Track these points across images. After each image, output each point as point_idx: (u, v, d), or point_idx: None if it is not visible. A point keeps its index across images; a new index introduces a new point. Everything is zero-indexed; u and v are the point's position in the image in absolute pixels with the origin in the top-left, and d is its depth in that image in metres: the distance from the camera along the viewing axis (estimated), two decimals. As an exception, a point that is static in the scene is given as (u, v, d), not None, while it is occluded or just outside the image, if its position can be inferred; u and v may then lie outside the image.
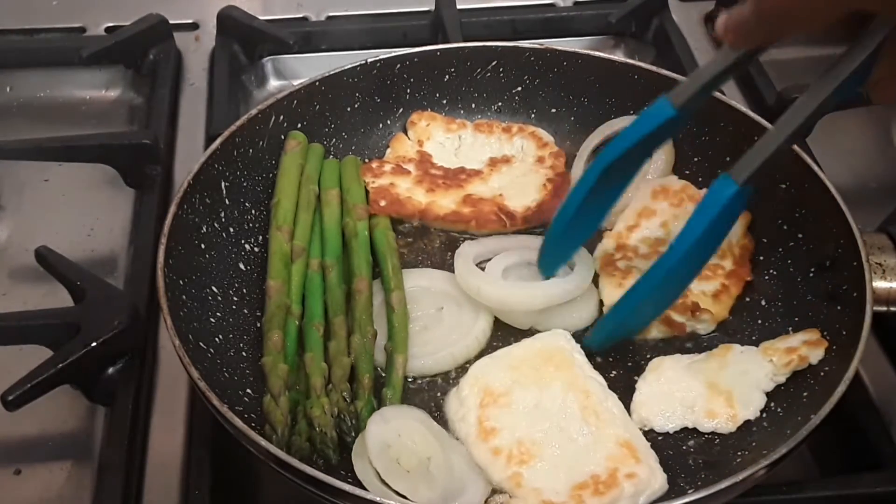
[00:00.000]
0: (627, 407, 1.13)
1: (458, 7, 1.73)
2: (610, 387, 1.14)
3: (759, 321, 1.24)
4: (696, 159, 1.39)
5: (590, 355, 1.18)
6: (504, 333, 1.22)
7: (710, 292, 1.23)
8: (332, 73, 1.40)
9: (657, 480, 1.04)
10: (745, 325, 1.24)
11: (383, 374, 1.14)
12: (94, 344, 1.16)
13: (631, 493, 1.02)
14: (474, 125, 1.46)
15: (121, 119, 1.67)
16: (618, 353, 1.20)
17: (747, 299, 1.26)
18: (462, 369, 1.16)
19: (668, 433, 1.12)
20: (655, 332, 1.21)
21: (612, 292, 1.24)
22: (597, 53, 1.47)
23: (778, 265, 1.28)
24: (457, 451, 1.06)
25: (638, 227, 1.31)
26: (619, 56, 1.62)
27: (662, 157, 1.39)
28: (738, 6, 0.93)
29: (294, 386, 1.10)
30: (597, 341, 1.19)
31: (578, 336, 1.20)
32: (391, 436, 1.04)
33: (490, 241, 1.31)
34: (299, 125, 1.37)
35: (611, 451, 1.05)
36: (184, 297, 1.14)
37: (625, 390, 1.15)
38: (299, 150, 1.34)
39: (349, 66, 1.41)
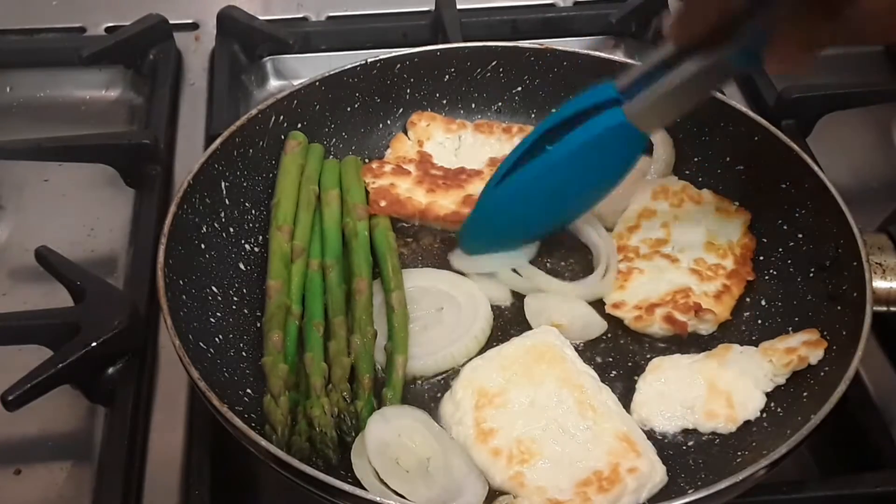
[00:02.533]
0: (627, 407, 1.13)
1: (458, 7, 1.73)
2: (610, 387, 1.14)
3: (759, 321, 1.24)
4: (696, 159, 1.39)
5: (589, 356, 1.19)
6: (503, 333, 1.22)
7: (711, 293, 1.23)
8: (332, 73, 1.40)
9: (658, 473, 1.05)
10: (745, 325, 1.24)
11: (383, 374, 1.14)
12: (94, 344, 1.16)
13: (634, 487, 1.03)
14: (474, 125, 1.46)
15: (121, 119, 1.68)
16: (618, 353, 1.20)
17: (747, 299, 1.26)
18: (460, 371, 1.16)
19: (668, 433, 1.12)
20: (657, 329, 1.20)
21: (612, 294, 1.24)
22: (597, 53, 1.47)
23: (778, 265, 1.28)
24: (456, 452, 1.06)
25: (639, 227, 1.32)
26: (619, 56, 1.62)
27: (663, 157, 1.39)
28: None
29: (294, 386, 1.10)
30: (467, 242, 1.26)
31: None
32: (391, 436, 1.04)
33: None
34: (299, 125, 1.37)
35: (610, 445, 1.06)
36: (184, 297, 1.14)
37: (625, 390, 1.15)
38: (299, 150, 1.34)
39: (349, 66, 1.41)
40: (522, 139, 1.21)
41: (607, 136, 1.12)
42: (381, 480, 1.00)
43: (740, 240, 1.29)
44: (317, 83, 1.39)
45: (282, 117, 1.35)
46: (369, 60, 1.42)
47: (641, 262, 1.27)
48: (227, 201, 1.28)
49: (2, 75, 1.70)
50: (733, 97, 1.57)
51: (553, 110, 1.46)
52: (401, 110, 1.46)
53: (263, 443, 0.97)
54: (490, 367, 1.14)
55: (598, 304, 1.25)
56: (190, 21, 1.81)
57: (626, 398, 1.14)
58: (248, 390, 1.13)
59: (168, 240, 1.15)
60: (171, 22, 1.73)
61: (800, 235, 1.27)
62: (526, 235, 1.28)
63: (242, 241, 1.28)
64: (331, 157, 1.40)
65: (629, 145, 1.14)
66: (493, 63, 1.46)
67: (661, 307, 1.21)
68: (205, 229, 1.24)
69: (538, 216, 1.24)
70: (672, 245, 1.29)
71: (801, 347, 1.14)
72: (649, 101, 1.09)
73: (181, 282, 1.15)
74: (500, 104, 1.49)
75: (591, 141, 1.13)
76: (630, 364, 1.19)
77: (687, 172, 1.39)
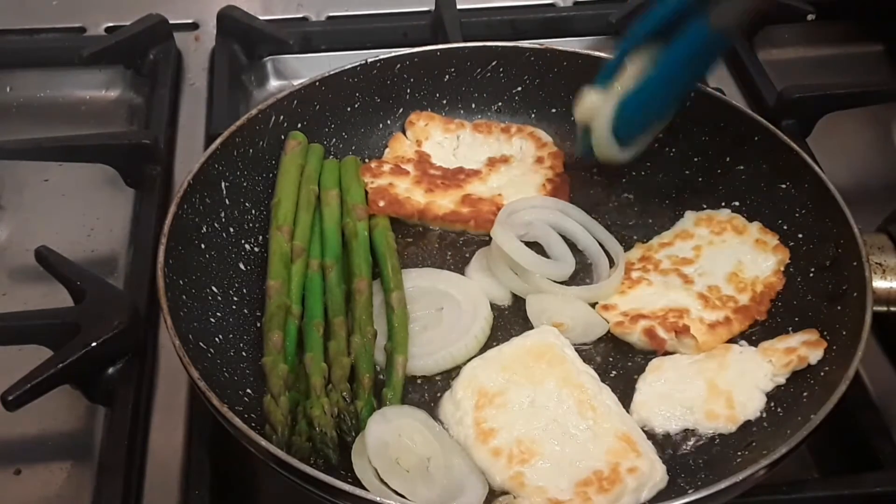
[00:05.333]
0: (627, 407, 1.13)
1: (458, 7, 1.73)
2: (610, 387, 1.14)
3: (759, 321, 1.23)
4: (696, 159, 1.39)
5: (589, 356, 1.19)
6: (503, 333, 1.22)
7: (708, 321, 1.19)
8: (332, 73, 1.40)
9: (658, 473, 1.05)
10: (744, 325, 1.24)
11: (383, 374, 1.14)
12: (94, 344, 1.16)
13: (634, 487, 1.03)
14: (473, 125, 1.46)
15: (121, 119, 1.68)
16: (618, 353, 1.20)
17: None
18: (460, 371, 1.16)
19: (668, 433, 1.12)
20: (636, 339, 1.19)
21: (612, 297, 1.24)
22: (597, 53, 1.46)
23: (778, 265, 1.28)
24: (456, 453, 1.06)
25: (671, 245, 1.30)
26: (619, 56, 1.62)
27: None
28: None
29: (294, 386, 1.10)
30: (619, 134, 1.30)
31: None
32: (391, 435, 1.04)
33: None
34: (299, 125, 1.37)
35: (610, 445, 1.06)
36: (184, 297, 1.14)
37: (625, 390, 1.15)
38: (299, 150, 1.34)
39: (349, 66, 1.41)
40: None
41: (698, 50, 1.20)
42: (382, 480, 1.00)
43: (767, 278, 1.24)
44: (317, 83, 1.39)
45: (282, 117, 1.35)
46: (369, 60, 1.42)
47: (655, 275, 1.26)
48: (227, 201, 1.28)
49: (2, 75, 1.70)
50: (733, 97, 1.57)
51: (553, 110, 1.47)
52: (401, 110, 1.46)
53: (263, 443, 0.97)
54: (490, 367, 1.14)
55: (598, 305, 1.25)
56: (190, 21, 1.81)
57: (626, 398, 1.14)
58: (248, 390, 1.13)
59: (168, 240, 1.15)
60: (171, 22, 1.72)
61: (800, 235, 1.27)
62: (657, 121, 1.33)
63: (242, 241, 1.28)
64: (330, 157, 1.40)
65: (717, 45, 1.23)
66: (493, 63, 1.46)
67: (647, 319, 1.19)
68: (205, 229, 1.24)
69: (662, 107, 1.30)
70: (696, 267, 1.27)
71: (801, 347, 1.14)
72: (735, 10, 1.14)
73: (181, 282, 1.15)
74: (500, 104, 1.49)
75: (683, 59, 1.21)
76: (630, 364, 1.19)
77: (687, 173, 1.39)
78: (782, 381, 1.14)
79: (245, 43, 1.71)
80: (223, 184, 1.28)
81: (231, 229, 1.27)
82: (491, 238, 1.27)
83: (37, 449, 1.19)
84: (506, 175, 1.39)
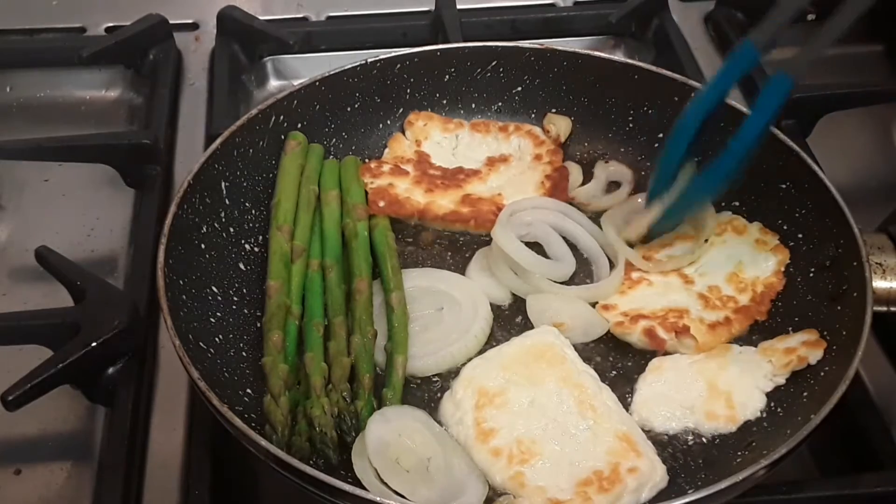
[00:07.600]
0: (627, 407, 1.13)
1: (458, 7, 1.73)
2: (610, 387, 1.14)
3: (759, 321, 1.23)
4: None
5: (589, 356, 1.19)
6: (503, 332, 1.22)
7: (708, 321, 1.20)
8: (332, 73, 1.40)
9: (658, 473, 1.05)
10: (744, 325, 1.24)
11: (383, 374, 1.14)
12: (94, 344, 1.16)
13: (634, 487, 1.03)
14: (471, 125, 1.46)
15: (121, 119, 1.68)
16: (618, 353, 1.20)
17: (747, 299, 1.26)
18: (460, 371, 1.16)
19: (668, 433, 1.12)
20: (636, 339, 1.19)
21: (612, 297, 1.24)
22: (597, 53, 1.47)
23: (778, 265, 1.27)
24: (457, 453, 1.06)
25: (670, 245, 1.31)
26: (619, 56, 1.62)
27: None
28: None
29: (294, 386, 1.11)
30: (660, 228, 1.29)
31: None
32: (391, 435, 1.04)
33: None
34: (299, 125, 1.37)
35: (610, 445, 1.06)
36: (184, 297, 1.14)
37: (625, 390, 1.15)
38: (299, 150, 1.34)
39: (349, 66, 1.41)
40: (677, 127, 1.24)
41: (782, 104, 1.16)
42: (382, 480, 1.00)
43: (768, 278, 1.25)
44: (317, 83, 1.38)
45: (282, 117, 1.35)
46: (369, 60, 1.42)
47: (655, 275, 1.26)
48: (227, 201, 1.28)
49: (2, 75, 1.70)
50: (733, 97, 1.57)
51: (553, 110, 1.47)
52: (401, 110, 1.46)
53: (263, 443, 0.97)
54: (490, 366, 1.14)
55: (598, 305, 1.25)
56: (190, 21, 1.81)
57: (626, 398, 1.14)
58: (248, 390, 1.13)
59: (168, 240, 1.15)
60: (171, 22, 1.72)
61: (800, 235, 1.27)
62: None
63: (242, 241, 1.28)
64: (330, 157, 1.40)
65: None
66: (493, 63, 1.46)
67: (647, 320, 1.20)
68: (205, 229, 1.24)
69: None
70: (696, 267, 1.27)
71: (801, 347, 1.14)
72: (810, 61, 1.14)
73: (181, 282, 1.15)
74: (500, 104, 1.49)
75: (770, 120, 1.17)
76: (630, 364, 1.19)
77: (687, 172, 1.39)
78: (782, 381, 1.14)
79: (245, 43, 1.71)
80: (223, 184, 1.28)
81: (231, 229, 1.27)
82: (491, 238, 1.27)
83: (37, 449, 1.19)
84: (505, 174, 1.39)
